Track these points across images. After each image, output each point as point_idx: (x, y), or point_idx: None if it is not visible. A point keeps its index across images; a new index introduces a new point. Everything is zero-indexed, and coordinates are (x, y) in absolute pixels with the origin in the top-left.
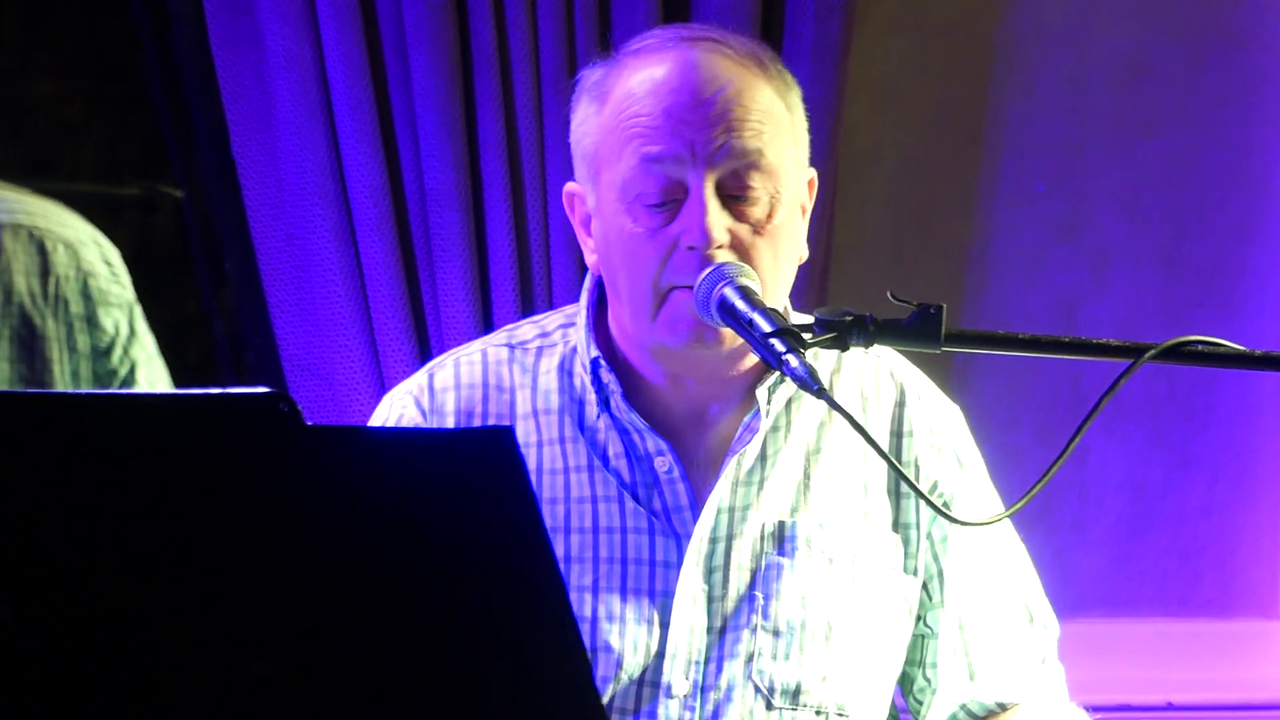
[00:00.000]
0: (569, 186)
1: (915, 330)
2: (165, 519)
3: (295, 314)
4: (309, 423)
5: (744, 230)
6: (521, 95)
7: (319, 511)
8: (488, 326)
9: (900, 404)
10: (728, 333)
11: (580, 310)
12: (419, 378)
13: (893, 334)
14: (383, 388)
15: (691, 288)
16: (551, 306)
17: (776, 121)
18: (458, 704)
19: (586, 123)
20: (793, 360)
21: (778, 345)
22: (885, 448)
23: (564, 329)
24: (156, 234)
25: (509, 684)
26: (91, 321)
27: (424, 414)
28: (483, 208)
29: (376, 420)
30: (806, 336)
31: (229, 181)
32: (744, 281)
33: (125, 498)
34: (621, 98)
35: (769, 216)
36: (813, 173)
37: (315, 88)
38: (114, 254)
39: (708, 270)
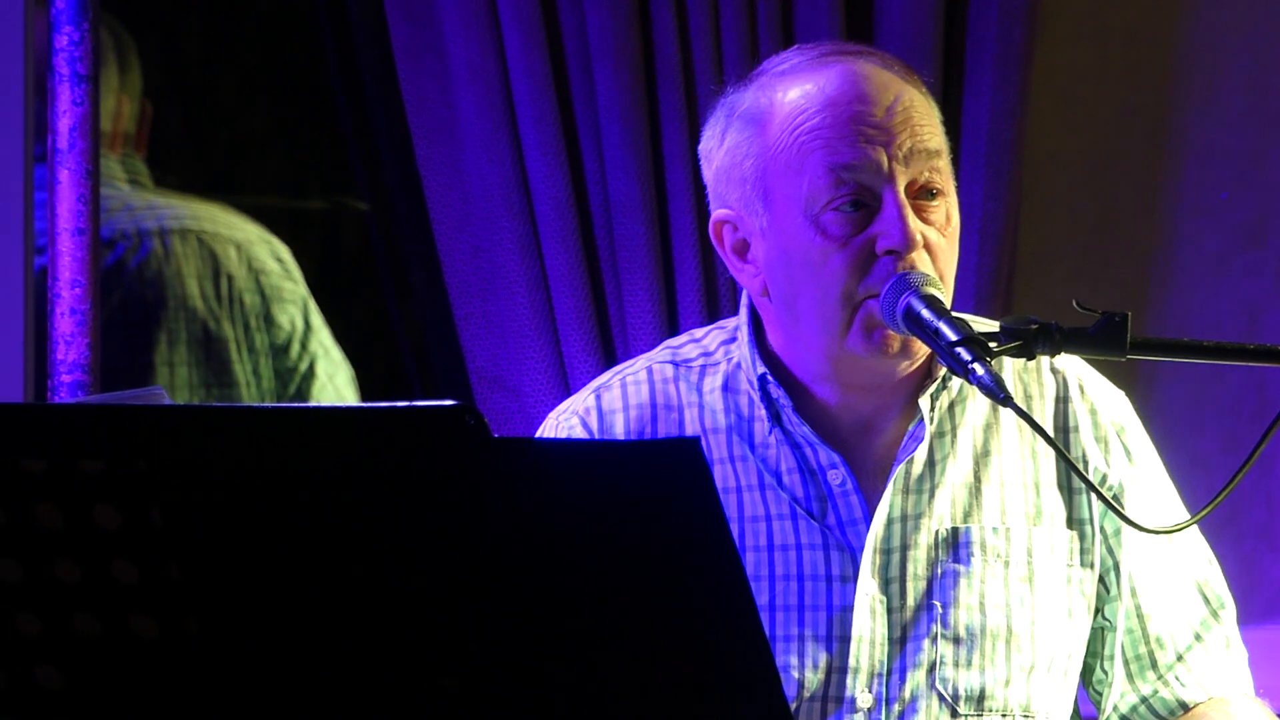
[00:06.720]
0: (718, 214)
1: (1100, 338)
2: (353, 532)
3: (481, 326)
4: (496, 435)
5: (931, 233)
6: (706, 106)
7: (507, 524)
8: (674, 336)
9: (1062, 399)
10: (918, 344)
11: (741, 327)
12: (584, 399)
13: (1078, 342)
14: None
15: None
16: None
17: (940, 125)
18: (647, 714)
19: (742, 147)
20: (979, 369)
21: (963, 354)
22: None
23: (725, 345)
24: (342, 247)
25: (699, 699)
26: (268, 319)
27: (591, 436)
28: (668, 218)
29: None
30: (992, 345)
31: (414, 194)
32: (929, 290)
33: (313, 511)
34: (790, 114)
35: (948, 219)
36: None
37: (499, 100)
38: (284, 250)
39: (891, 281)
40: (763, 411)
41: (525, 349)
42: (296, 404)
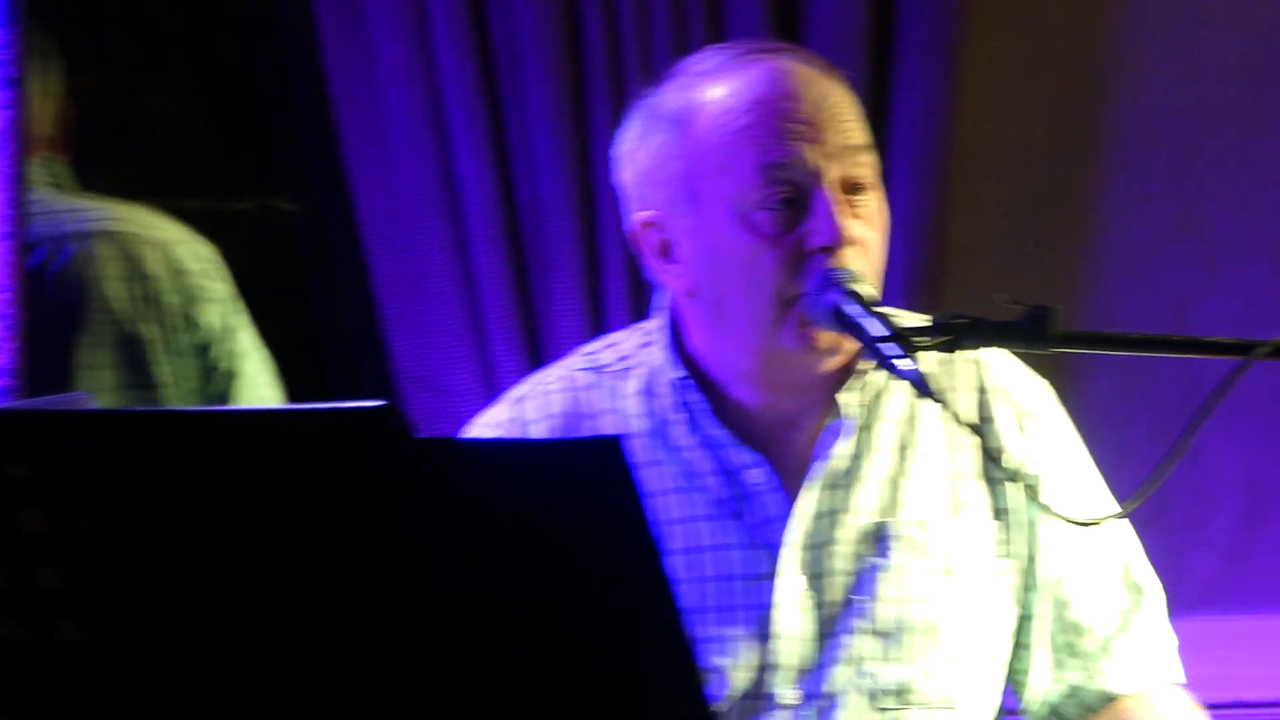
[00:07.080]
0: (640, 216)
1: (1028, 331)
2: (275, 535)
3: (409, 326)
4: (421, 435)
5: (861, 229)
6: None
7: (431, 524)
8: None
9: (981, 389)
10: (848, 340)
11: (661, 330)
12: (502, 410)
13: (1006, 336)
14: (495, 399)
15: None
16: None
17: (864, 120)
18: (570, 717)
19: (666, 148)
20: (903, 364)
21: (888, 350)
22: (974, 436)
23: (644, 348)
24: (271, 248)
25: (623, 698)
26: (189, 320)
27: None
28: (596, 218)
29: None
30: (918, 340)
31: (342, 194)
32: (854, 286)
33: (238, 513)
34: (716, 114)
35: (877, 213)
36: None
37: (428, 100)
38: (206, 250)
39: (817, 277)
40: (681, 415)
41: (452, 349)
42: (220, 407)
